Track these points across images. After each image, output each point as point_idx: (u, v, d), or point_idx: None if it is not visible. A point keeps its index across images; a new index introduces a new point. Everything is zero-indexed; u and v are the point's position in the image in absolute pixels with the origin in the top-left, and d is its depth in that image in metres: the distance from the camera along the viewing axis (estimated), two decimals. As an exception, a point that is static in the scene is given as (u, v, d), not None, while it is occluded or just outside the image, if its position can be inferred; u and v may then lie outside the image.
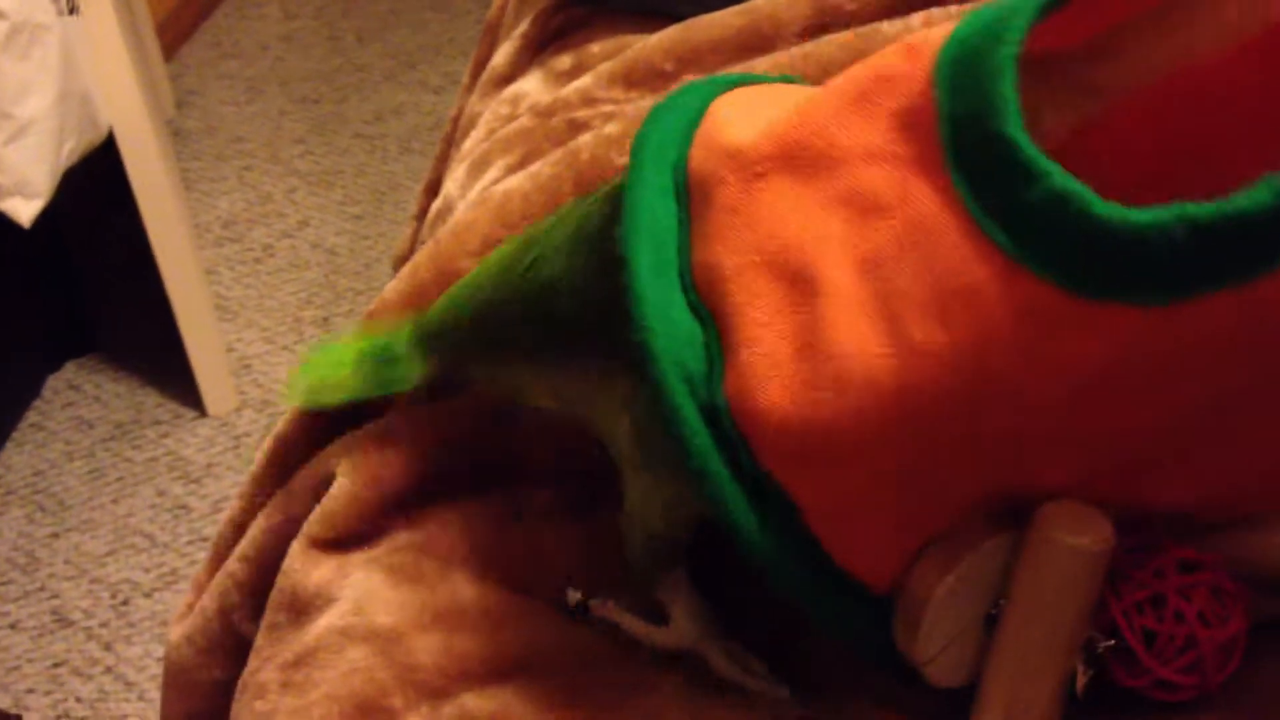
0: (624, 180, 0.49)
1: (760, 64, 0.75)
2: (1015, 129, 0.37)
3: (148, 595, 1.57)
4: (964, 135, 0.39)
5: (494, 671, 0.53)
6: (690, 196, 0.47)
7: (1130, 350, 0.38)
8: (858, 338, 0.41)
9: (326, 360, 0.66)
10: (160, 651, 1.50)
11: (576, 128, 0.79)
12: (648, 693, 0.51)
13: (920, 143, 0.41)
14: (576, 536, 0.59)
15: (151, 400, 1.86)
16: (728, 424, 0.44)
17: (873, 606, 0.46)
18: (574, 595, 0.55)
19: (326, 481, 0.62)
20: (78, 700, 1.46)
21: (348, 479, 0.61)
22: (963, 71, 0.40)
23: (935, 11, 0.75)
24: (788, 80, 0.55)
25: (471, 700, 0.52)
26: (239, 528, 0.70)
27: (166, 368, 1.87)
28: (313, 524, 0.61)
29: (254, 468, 0.71)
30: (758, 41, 0.79)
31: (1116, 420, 0.41)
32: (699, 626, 0.52)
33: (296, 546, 0.61)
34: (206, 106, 2.51)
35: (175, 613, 0.71)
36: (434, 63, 2.61)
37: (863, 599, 0.46)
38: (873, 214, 0.42)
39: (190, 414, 1.83)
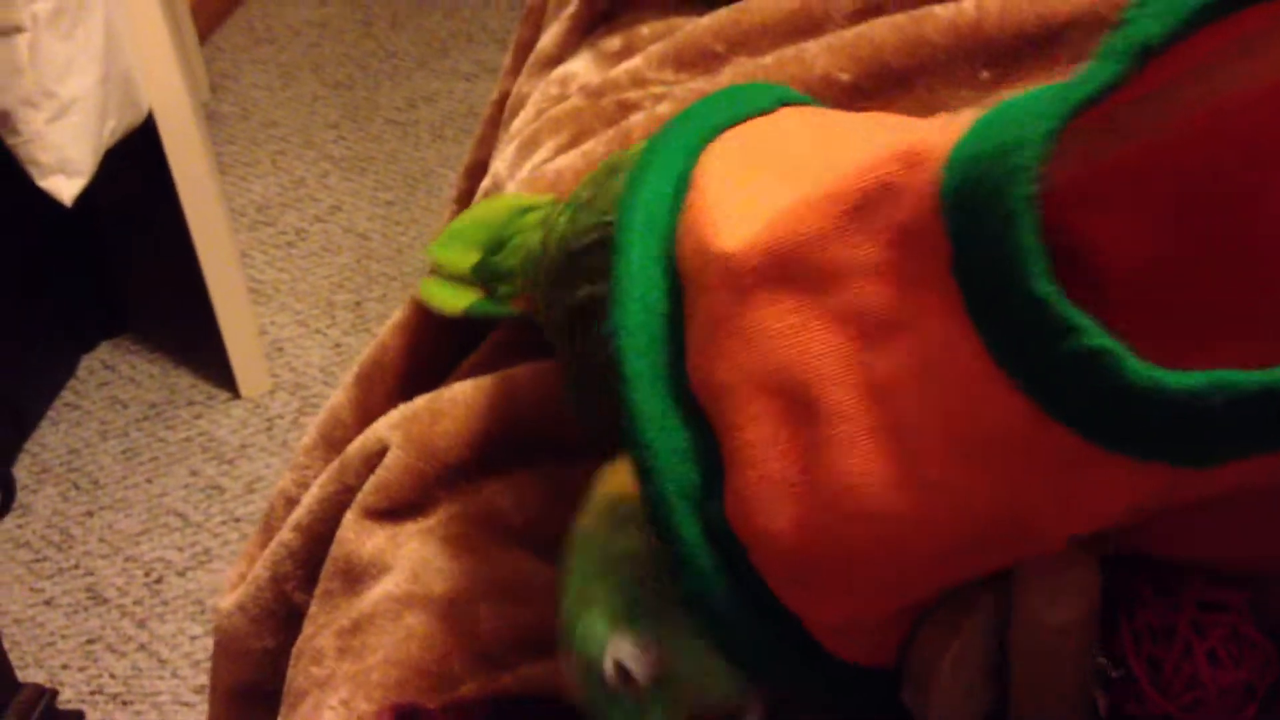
0: (613, 243, 0.46)
1: (812, 46, 0.76)
2: (1043, 285, 0.34)
3: (181, 574, 1.59)
4: (979, 278, 0.36)
5: (551, 641, 0.53)
6: (684, 283, 0.45)
7: (1162, 497, 0.37)
8: (866, 467, 0.38)
9: (459, 234, 0.67)
10: (194, 630, 1.51)
11: (627, 108, 0.79)
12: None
13: (928, 265, 0.37)
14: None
15: (185, 381, 1.87)
16: (729, 541, 0.42)
17: (869, 680, 0.45)
18: None
19: (380, 452, 0.63)
20: (111, 677, 1.47)
21: (401, 450, 0.61)
22: (972, 208, 0.36)
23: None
24: (794, 99, 0.53)
25: (530, 669, 0.52)
26: (290, 499, 0.70)
27: (200, 349, 1.88)
28: (366, 494, 0.61)
29: (305, 439, 0.72)
30: (809, 24, 0.79)
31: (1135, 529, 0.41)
32: None
33: (350, 516, 0.62)
34: (240, 91, 2.52)
35: (226, 582, 0.71)
36: (466, 50, 2.62)
37: (861, 676, 0.45)
38: (879, 335, 0.39)
39: (223, 395, 1.84)
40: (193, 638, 1.50)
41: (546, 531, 0.58)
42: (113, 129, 1.54)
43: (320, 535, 0.65)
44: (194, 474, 1.72)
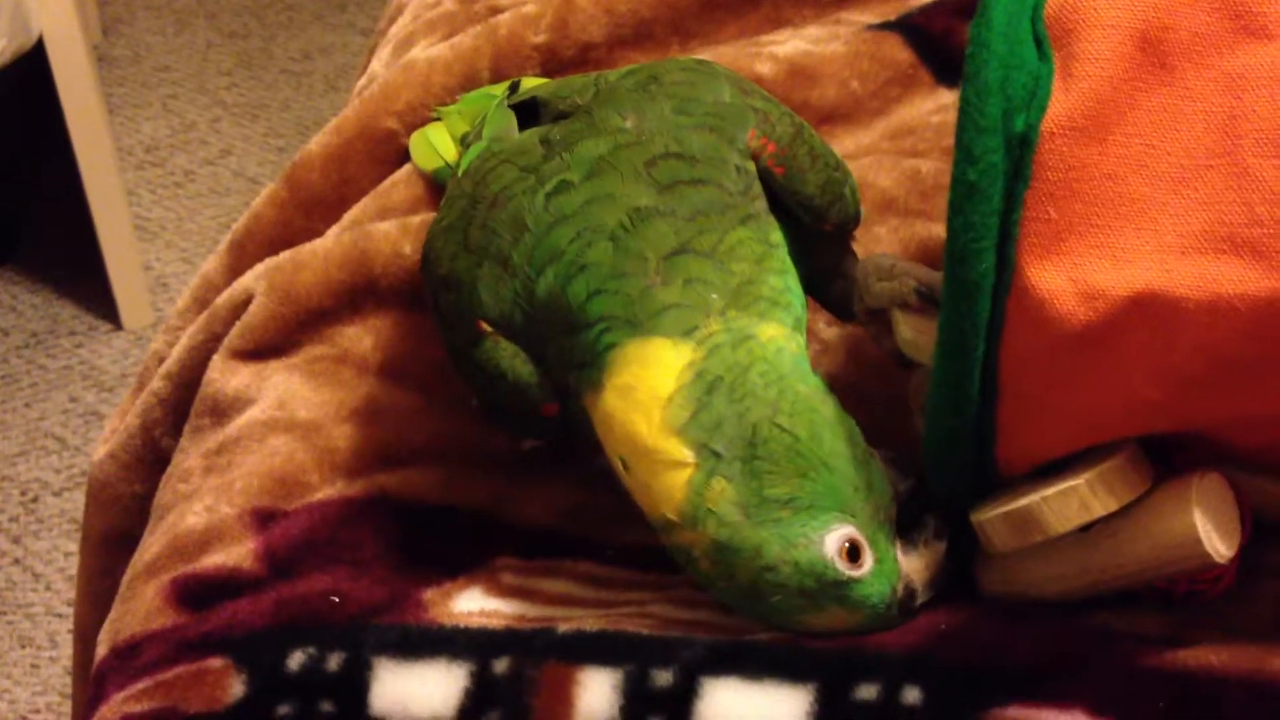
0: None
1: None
2: None
3: (57, 494, 1.60)
4: None
5: (402, 456, 0.59)
6: None
7: None
8: (1191, 139, 0.44)
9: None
10: (69, 547, 1.53)
11: (497, 13, 0.84)
12: (533, 476, 0.58)
13: None
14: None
15: (67, 312, 1.88)
16: (1026, 158, 0.45)
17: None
18: (475, 402, 0.61)
19: (246, 301, 0.67)
20: (-16, 589, 1.49)
21: (265, 297, 0.66)
22: None
23: None
24: None
25: (382, 477, 0.58)
26: (162, 358, 0.74)
27: (84, 282, 1.89)
28: (232, 338, 0.66)
29: (179, 303, 0.76)
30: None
31: None
32: None
33: (217, 359, 0.66)
34: (134, 35, 2.52)
35: (100, 439, 0.75)
36: (364, 6, 2.64)
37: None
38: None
39: (105, 327, 1.85)
40: (67, 554, 1.52)
41: (400, 366, 0.63)
42: (1, 49, 1.55)
43: (188, 382, 0.69)
44: (73, 400, 1.74)
